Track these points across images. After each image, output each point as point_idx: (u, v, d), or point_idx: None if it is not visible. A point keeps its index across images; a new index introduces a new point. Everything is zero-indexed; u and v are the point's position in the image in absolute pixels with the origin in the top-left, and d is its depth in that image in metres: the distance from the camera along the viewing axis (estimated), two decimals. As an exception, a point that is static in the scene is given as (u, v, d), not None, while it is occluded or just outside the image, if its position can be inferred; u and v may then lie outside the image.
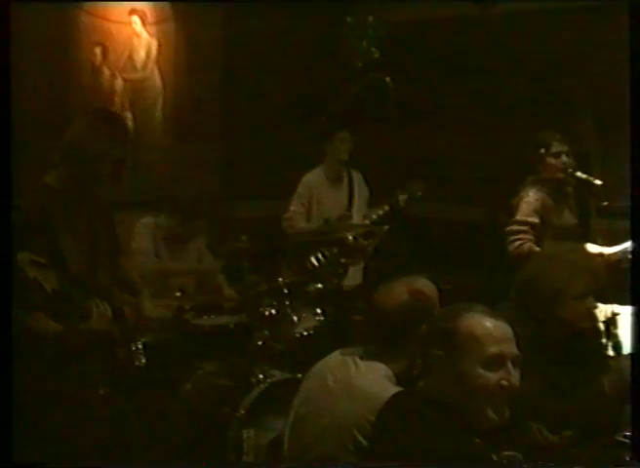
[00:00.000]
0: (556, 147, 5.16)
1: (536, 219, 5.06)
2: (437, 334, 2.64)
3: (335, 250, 6.00)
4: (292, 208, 6.29)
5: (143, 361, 3.84)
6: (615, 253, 4.90)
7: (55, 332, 3.50)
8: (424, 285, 3.23)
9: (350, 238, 6.08)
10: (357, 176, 6.44)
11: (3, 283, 2.96)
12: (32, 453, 3.28)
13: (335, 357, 3.27)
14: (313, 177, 6.33)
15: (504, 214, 5.22)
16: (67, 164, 3.66)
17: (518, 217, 5.09)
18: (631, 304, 3.03)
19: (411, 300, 3.15)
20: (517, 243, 5.02)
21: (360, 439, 2.94)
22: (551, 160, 5.15)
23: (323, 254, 5.98)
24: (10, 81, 2.98)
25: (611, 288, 3.71)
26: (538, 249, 4.91)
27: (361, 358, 3.15)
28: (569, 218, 5.22)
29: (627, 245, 4.87)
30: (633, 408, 2.75)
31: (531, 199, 5.12)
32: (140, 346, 3.83)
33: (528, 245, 4.99)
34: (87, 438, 3.57)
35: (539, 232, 5.05)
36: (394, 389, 3.03)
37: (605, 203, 5.08)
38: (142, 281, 4.23)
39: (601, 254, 4.84)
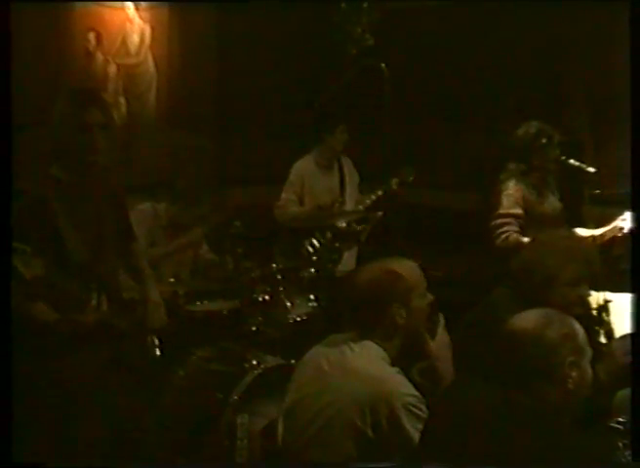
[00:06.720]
0: (555, 137, 5.17)
1: (519, 210, 5.08)
2: None
3: (329, 235, 6.02)
4: (284, 195, 6.28)
5: (158, 353, 3.86)
6: (604, 234, 4.93)
7: (52, 321, 3.48)
8: (401, 265, 3.21)
9: (344, 224, 6.10)
10: (347, 163, 6.44)
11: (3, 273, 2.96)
12: (32, 453, 3.29)
13: (328, 342, 3.28)
14: (304, 165, 6.32)
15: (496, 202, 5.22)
16: (62, 147, 3.65)
17: (501, 211, 5.11)
18: (632, 292, 3.04)
19: (381, 277, 3.16)
20: (503, 236, 5.03)
21: (358, 422, 2.97)
22: (549, 149, 5.16)
23: (318, 240, 5.99)
24: (10, 79, 2.98)
25: (603, 275, 3.73)
26: (524, 239, 4.92)
27: (354, 341, 3.17)
28: (553, 204, 5.24)
29: (615, 224, 4.90)
30: (633, 408, 2.77)
31: (511, 191, 5.13)
32: (155, 340, 3.85)
33: (514, 236, 5.01)
34: (85, 429, 3.57)
35: (523, 222, 5.08)
36: (391, 370, 3.06)
37: (597, 191, 5.10)
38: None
39: (593, 238, 4.87)
